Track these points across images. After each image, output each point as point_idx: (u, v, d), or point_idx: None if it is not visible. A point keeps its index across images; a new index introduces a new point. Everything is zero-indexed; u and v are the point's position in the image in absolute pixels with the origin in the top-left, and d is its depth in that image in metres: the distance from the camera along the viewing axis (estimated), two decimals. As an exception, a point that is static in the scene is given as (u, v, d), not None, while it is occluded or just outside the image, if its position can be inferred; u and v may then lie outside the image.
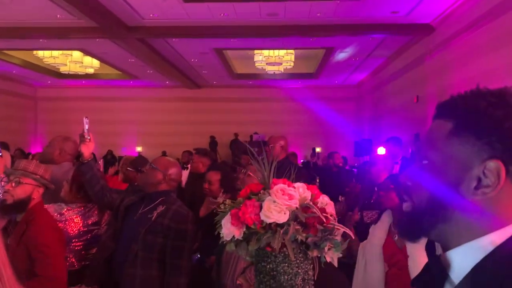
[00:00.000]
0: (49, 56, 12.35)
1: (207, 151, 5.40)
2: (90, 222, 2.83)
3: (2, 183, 2.61)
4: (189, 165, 6.95)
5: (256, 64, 12.37)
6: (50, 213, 2.58)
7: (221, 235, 1.41)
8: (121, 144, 16.23)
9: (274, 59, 11.81)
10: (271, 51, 11.61)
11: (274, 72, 13.09)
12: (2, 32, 9.39)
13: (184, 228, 2.53)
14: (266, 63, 12.12)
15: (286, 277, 1.34)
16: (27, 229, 2.27)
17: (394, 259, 2.58)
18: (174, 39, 10.26)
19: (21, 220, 2.33)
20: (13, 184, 2.33)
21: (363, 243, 2.87)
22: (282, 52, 11.72)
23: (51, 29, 9.26)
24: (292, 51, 11.80)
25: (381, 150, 8.29)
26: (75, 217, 2.77)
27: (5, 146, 4.29)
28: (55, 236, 2.34)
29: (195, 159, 4.77)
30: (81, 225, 2.78)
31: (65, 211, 2.77)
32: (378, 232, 2.74)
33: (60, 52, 12.11)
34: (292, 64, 12.31)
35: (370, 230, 2.87)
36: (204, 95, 16.89)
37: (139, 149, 16.59)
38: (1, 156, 2.84)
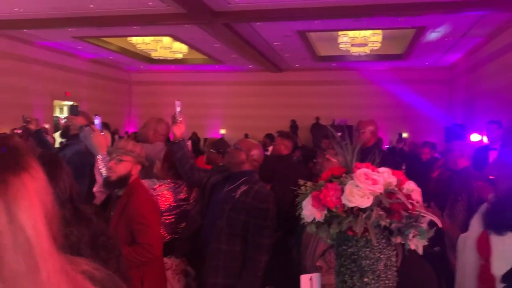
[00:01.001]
0: (141, 42, 13.14)
1: (290, 134, 5.43)
2: (179, 198, 3.02)
3: (101, 165, 2.87)
4: (269, 148, 7.05)
5: (340, 46, 12.06)
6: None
7: (302, 216, 1.43)
8: (206, 127, 16.88)
9: (360, 40, 11.42)
10: (357, 32, 11.24)
11: (359, 54, 12.68)
12: (100, 20, 10.16)
13: (265, 208, 2.61)
14: (351, 45, 11.77)
15: (367, 261, 1.33)
16: (128, 202, 2.49)
17: (487, 252, 2.43)
18: (257, 23, 10.35)
19: (123, 195, 2.56)
20: (115, 162, 2.55)
21: (464, 235, 2.74)
22: (368, 32, 11.30)
23: (143, 16, 9.82)
24: (379, 31, 11.32)
25: (475, 137, 7.68)
26: (167, 193, 2.98)
27: (107, 126, 4.69)
28: (152, 208, 2.55)
29: (278, 141, 4.83)
30: (171, 200, 2.98)
31: (158, 187, 2.98)
32: (474, 224, 2.60)
33: (152, 38, 12.81)
34: (379, 45, 11.82)
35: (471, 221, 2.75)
36: (286, 79, 16.89)
37: (222, 131, 17.13)
38: (103, 134, 3.12)
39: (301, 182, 1.46)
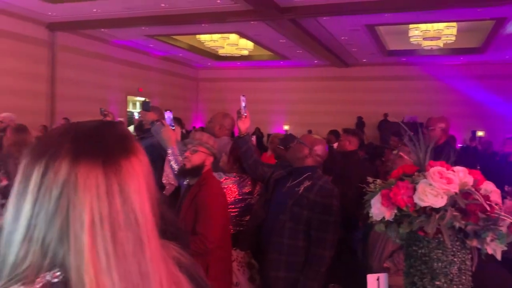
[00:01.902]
0: (209, 40, 13.47)
1: (356, 130, 5.32)
2: (244, 191, 3.07)
3: (171, 158, 2.98)
4: (333, 145, 6.94)
5: (411, 40, 11.57)
6: None
7: (370, 215, 1.40)
8: (269, 122, 16.97)
9: (433, 33, 10.89)
10: (429, 24, 10.71)
11: (431, 48, 12.09)
12: (171, 19, 10.55)
13: (329, 203, 2.58)
14: (423, 38, 11.25)
15: (439, 264, 1.27)
16: (199, 192, 2.58)
17: None
18: (324, 18, 10.21)
19: (195, 184, 2.65)
20: (191, 152, 2.65)
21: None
22: (441, 25, 10.73)
23: (211, 14, 10.06)
24: (454, 23, 10.71)
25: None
26: (232, 186, 3.04)
27: (179, 121, 4.88)
28: (220, 201, 2.62)
29: (343, 138, 4.76)
30: (236, 193, 3.04)
31: (223, 180, 3.05)
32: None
33: (219, 35, 13.09)
34: (454, 38, 11.18)
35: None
36: (352, 74, 16.52)
37: (286, 127, 17.13)
38: (173, 129, 3.25)
39: (370, 179, 1.42)
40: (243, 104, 3.01)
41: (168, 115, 3.44)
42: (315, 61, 15.83)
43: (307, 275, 2.54)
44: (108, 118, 4.32)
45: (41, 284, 0.61)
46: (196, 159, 2.65)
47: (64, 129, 0.70)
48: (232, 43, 13.55)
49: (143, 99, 16.26)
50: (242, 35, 12.84)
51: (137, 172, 0.68)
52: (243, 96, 3.05)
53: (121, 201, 0.64)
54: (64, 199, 0.62)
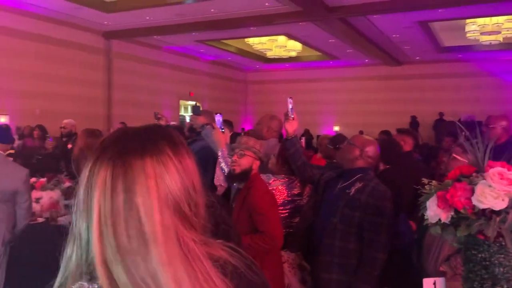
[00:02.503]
0: (258, 43, 13.58)
1: (411, 130, 5.14)
2: (293, 193, 3.06)
3: (221, 160, 3.03)
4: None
5: (468, 35, 11.06)
6: None
7: (425, 217, 1.35)
8: (319, 124, 16.80)
9: (491, 28, 10.35)
10: (487, 18, 10.18)
11: (490, 43, 11.49)
12: (221, 23, 10.74)
13: (381, 205, 2.52)
14: (480, 33, 10.71)
15: (501, 269, 1.21)
16: (247, 195, 2.61)
17: None
18: (375, 16, 9.99)
19: (243, 187, 2.69)
20: (238, 156, 2.69)
21: None
22: (501, 18, 10.17)
23: (259, 17, 10.13)
24: (514, 16, 10.13)
25: None
26: (281, 187, 3.04)
27: (229, 124, 4.96)
28: (271, 200, 2.64)
29: (397, 138, 4.61)
30: (285, 194, 3.03)
31: (272, 181, 3.06)
32: None
33: (267, 38, 13.16)
34: (515, 31, 10.57)
35: None
36: (405, 72, 16.02)
37: (336, 128, 16.89)
38: (223, 132, 3.31)
39: (425, 180, 1.38)
40: (290, 106, 3.00)
41: (218, 118, 3.51)
42: (366, 60, 15.51)
43: (359, 278, 2.50)
44: (162, 122, 4.47)
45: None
46: (244, 162, 2.68)
47: (110, 134, 0.78)
48: (280, 45, 13.57)
49: (194, 103, 16.64)
50: (290, 36, 12.82)
51: (148, 173, 0.70)
52: (290, 98, 3.04)
53: (123, 199, 0.68)
54: (88, 196, 0.70)
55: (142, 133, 0.75)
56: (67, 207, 4.32)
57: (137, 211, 0.67)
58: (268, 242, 2.45)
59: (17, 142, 6.40)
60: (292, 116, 2.99)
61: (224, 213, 1.75)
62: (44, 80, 10.62)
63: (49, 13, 10.38)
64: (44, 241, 3.58)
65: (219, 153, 3.20)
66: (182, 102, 16.25)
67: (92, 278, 0.68)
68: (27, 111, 9.98)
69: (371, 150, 2.73)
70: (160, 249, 0.67)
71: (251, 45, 13.98)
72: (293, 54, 14.52)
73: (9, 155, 3.87)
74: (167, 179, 0.71)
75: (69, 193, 4.47)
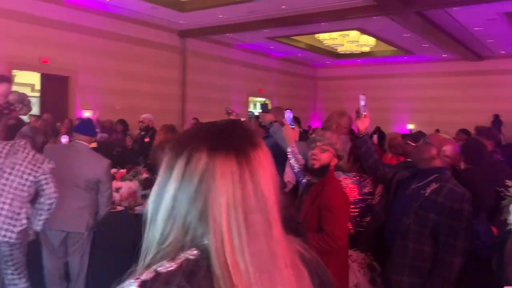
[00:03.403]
0: (328, 38, 13.39)
1: (491, 130, 4.80)
2: (364, 192, 3.00)
3: (291, 156, 3.03)
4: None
5: (562, 26, 10.08)
6: None
7: (508, 222, 1.27)
8: (391, 121, 16.23)
9: None
10: None
11: None
12: (291, 20, 10.73)
13: (459, 208, 2.39)
14: None
15: None
16: (321, 191, 2.58)
17: None
18: (455, 8, 9.43)
19: (317, 183, 2.66)
20: (320, 150, 2.66)
21: None
22: None
23: (331, 12, 9.99)
24: None
25: None
26: (352, 185, 2.99)
27: (297, 121, 4.98)
28: (343, 200, 2.60)
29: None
30: (356, 193, 2.98)
31: (342, 179, 3.01)
32: None
33: (339, 33, 12.93)
34: None
35: None
36: (487, 67, 14.96)
37: (410, 126, 16.21)
38: (293, 128, 3.31)
39: (508, 183, 1.29)
40: (362, 103, 2.94)
41: (288, 115, 3.51)
42: (444, 55, 14.70)
43: (434, 282, 2.39)
44: (232, 117, 4.58)
45: (180, 260, 0.71)
46: (324, 157, 2.65)
47: (198, 128, 0.82)
48: (352, 40, 13.27)
49: (263, 99, 16.82)
50: (363, 31, 12.49)
51: (263, 162, 0.76)
52: (363, 94, 2.97)
53: (252, 187, 0.73)
54: (204, 184, 0.72)
55: (241, 127, 0.80)
56: (144, 197, 4.58)
57: (263, 197, 0.73)
58: (329, 243, 2.40)
59: (99, 135, 6.87)
60: (364, 113, 2.92)
61: (292, 210, 1.77)
62: (125, 77, 11.29)
63: (129, 14, 11.01)
64: (123, 228, 3.84)
65: (289, 150, 3.19)
66: (251, 98, 16.49)
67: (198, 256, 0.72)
68: (109, 107, 10.67)
69: (449, 149, 2.59)
70: (278, 230, 0.74)
71: (322, 41, 13.81)
72: (366, 49, 14.14)
73: (94, 148, 4.17)
74: (273, 169, 0.78)
75: (146, 184, 4.74)
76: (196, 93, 13.20)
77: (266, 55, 15.98)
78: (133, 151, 6.44)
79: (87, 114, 10.19)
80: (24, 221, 3.15)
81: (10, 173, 3.10)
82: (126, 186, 4.59)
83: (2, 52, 8.81)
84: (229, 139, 0.76)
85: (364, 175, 3.03)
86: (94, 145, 5.25)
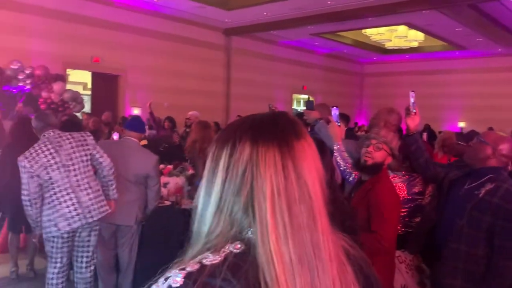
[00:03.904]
0: (375, 33, 13.07)
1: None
2: (414, 191, 2.90)
3: (337, 154, 2.98)
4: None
5: None
6: None
7: None
8: (441, 119, 15.63)
9: None
10: None
11: None
12: (337, 15, 10.57)
13: None
14: None
15: None
16: (371, 190, 2.52)
17: None
18: (512, -1, 8.95)
19: (368, 181, 2.60)
20: (374, 148, 2.61)
21: None
22: None
23: (379, 6, 9.74)
24: None
25: None
26: (400, 185, 2.90)
27: (345, 118, 4.90)
28: (394, 201, 2.52)
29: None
30: (405, 192, 2.89)
31: (391, 178, 2.93)
32: None
33: (386, 28, 12.60)
34: None
35: None
36: (548, 62, 14.09)
37: (461, 124, 15.55)
38: (339, 125, 3.25)
39: None
40: (412, 100, 2.84)
41: (334, 112, 3.45)
42: (499, 50, 13.98)
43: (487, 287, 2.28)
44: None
45: (225, 253, 0.71)
46: (378, 156, 2.59)
47: (241, 120, 0.82)
48: (400, 35, 12.90)
49: (307, 96, 16.70)
50: (412, 26, 12.10)
51: (307, 153, 0.76)
52: (412, 91, 2.88)
53: (295, 177, 0.73)
54: (249, 174, 0.73)
55: (285, 118, 0.80)
56: (190, 192, 4.67)
57: (307, 187, 0.73)
58: (374, 243, 2.32)
59: (147, 132, 7.08)
60: (414, 110, 2.83)
61: (350, 208, 1.73)
62: (171, 75, 11.56)
63: (177, 13, 11.25)
64: (170, 222, 3.93)
65: (335, 147, 3.14)
66: (295, 95, 16.40)
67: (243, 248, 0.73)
68: (156, 104, 10.97)
69: (505, 148, 2.46)
70: (322, 221, 0.74)
71: (368, 36, 13.51)
72: (415, 44, 13.69)
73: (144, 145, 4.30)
74: (317, 160, 0.78)
75: (192, 180, 4.83)
76: (240, 90, 13.31)
77: (310, 51, 15.83)
78: (180, 147, 6.58)
79: (136, 111, 10.52)
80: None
81: (72, 164, 3.19)
82: (173, 182, 4.71)
83: (57, 52, 9.26)
84: (272, 129, 0.76)
85: (414, 174, 2.93)
86: (144, 142, 5.42)
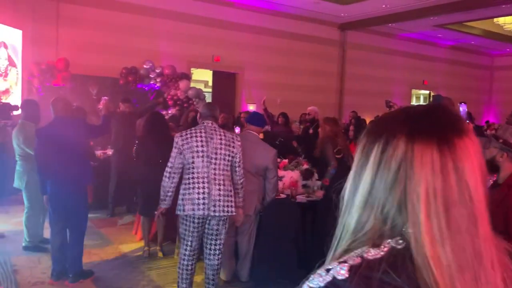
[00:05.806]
0: (510, 22, 11.74)
1: None
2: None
3: None
4: None
5: None
6: None
7: None
8: None
9: None
10: None
11: None
12: (465, 4, 9.72)
13: None
14: None
15: None
16: (508, 193, 2.32)
17: None
18: None
19: (503, 184, 2.40)
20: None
21: None
22: None
23: (516, -9, 8.74)
24: None
25: None
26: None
27: (468, 115, 4.54)
28: None
29: None
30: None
31: None
32: None
33: (524, 15, 11.24)
34: None
35: None
36: None
37: None
38: (468, 123, 3.02)
39: None
40: None
41: (463, 108, 3.22)
42: None
43: None
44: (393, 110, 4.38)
45: (387, 248, 0.69)
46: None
47: (396, 112, 0.77)
48: (541, 23, 11.41)
49: (427, 92, 15.68)
50: (557, 11, 10.63)
51: (470, 152, 0.69)
52: None
53: (455, 178, 0.67)
54: (402, 172, 0.69)
55: (444, 111, 0.74)
56: (304, 186, 4.73)
57: (468, 190, 0.68)
58: None
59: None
60: None
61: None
62: (285, 72, 11.75)
63: (292, 10, 11.38)
64: (285, 215, 4.03)
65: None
66: (414, 91, 15.51)
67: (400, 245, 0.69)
68: (270, 100, 11.25)
69: None
70: (485, 227, 0.68)
71: (501, 26, 12.18)
72: None
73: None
74: (481, 159, 0.71)
75: (306, 175, 4.89)
76: (354, 86, 13.01)
77: (433, 44, 14.81)
78: (298, 141, 6.68)
79: (251, 107, 10.92)
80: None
81: (216, 158, 3.36)
82: (288, 175, 4.81)
83: (183, 52, 10.02)
84: (430, 124, 0.70)
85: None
86: (261, 136, 5.64)
